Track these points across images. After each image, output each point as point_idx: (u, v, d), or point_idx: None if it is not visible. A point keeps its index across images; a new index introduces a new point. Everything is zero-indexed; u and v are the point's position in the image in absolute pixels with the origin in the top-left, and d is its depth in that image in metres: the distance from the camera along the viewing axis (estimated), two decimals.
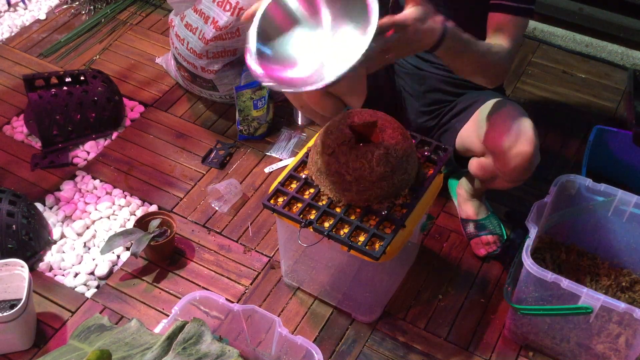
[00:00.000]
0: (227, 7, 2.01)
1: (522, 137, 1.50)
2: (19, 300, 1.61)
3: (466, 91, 1.78)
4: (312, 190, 1.51)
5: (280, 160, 2.12)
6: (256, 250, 1.87)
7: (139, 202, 1.99)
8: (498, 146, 1.53)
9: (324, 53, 1.23)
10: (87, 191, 2.00)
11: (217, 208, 1.97)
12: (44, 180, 2.03)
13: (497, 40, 1.51)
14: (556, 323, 1.56)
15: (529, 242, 1.52)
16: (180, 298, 1.70)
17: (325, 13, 1.24)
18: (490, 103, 1.64)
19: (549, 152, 2.17)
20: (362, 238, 1.43)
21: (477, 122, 1.63)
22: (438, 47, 1.27)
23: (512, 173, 1.56)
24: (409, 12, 1.20)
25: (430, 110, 1.81)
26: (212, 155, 2.11)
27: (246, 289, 1.78)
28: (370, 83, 1.87)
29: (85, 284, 1.78)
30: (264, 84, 1.19)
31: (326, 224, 1.46)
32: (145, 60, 2.46)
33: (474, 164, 1.71)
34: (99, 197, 1.99)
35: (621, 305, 1.40)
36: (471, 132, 1.66)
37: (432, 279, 1.82)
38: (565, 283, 1.45)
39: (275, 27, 1.24)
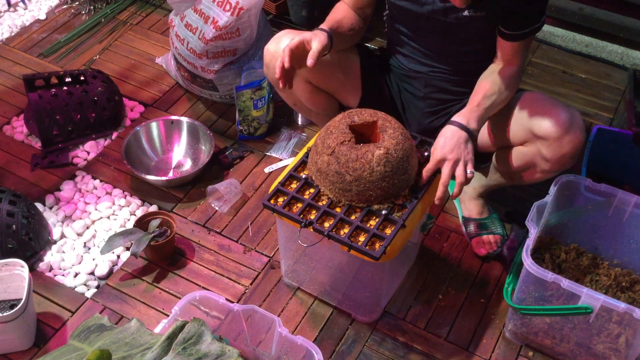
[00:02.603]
0: (227, 7, 2.00)
1: (575, 124, 1.56)
2: (19, 300, 1.61)
3: (471, 89, 1.78)
4: (312, 190, 1.51)
5: (280, 160, 2.12)
6: (256, 250, 1.87)
7: (139, 202, 1.99)
8: (553, 132, 1.55)
9: None
10: (87, 191, 2.00)
11: (217, 208, 1.97)
12: (44, 180, 2.03)
13: (506, 66, 1.63)
14: (556, 323, 1.56)
15: (529, 242, 1.52)
16: (180, 298, 1.70)
17: None
18: (529, 94, 1.66)
19: None
20: (362, 238, 1.43)
21: (519, 111, 1.64)
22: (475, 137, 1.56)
23: (562, 159, 1.59)
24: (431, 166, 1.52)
25: (436, 110, 1.80)
26: (226, 153, 2.11)
27: (246, 289, 1.78)
28: (367, 84, 1.86)
29: (85, 284, 1.78)
30: None
31: (326, 224, 1.46)
32: (145, 60, 2.46)
33: (508, 154, 1.70)
34: (99, 197, 1.99)
35: (621, 305, 1.40)
36: (512, 122, 1.66)
37: (432, 279, 1.82)
38: (565, 283, 1.45)
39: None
